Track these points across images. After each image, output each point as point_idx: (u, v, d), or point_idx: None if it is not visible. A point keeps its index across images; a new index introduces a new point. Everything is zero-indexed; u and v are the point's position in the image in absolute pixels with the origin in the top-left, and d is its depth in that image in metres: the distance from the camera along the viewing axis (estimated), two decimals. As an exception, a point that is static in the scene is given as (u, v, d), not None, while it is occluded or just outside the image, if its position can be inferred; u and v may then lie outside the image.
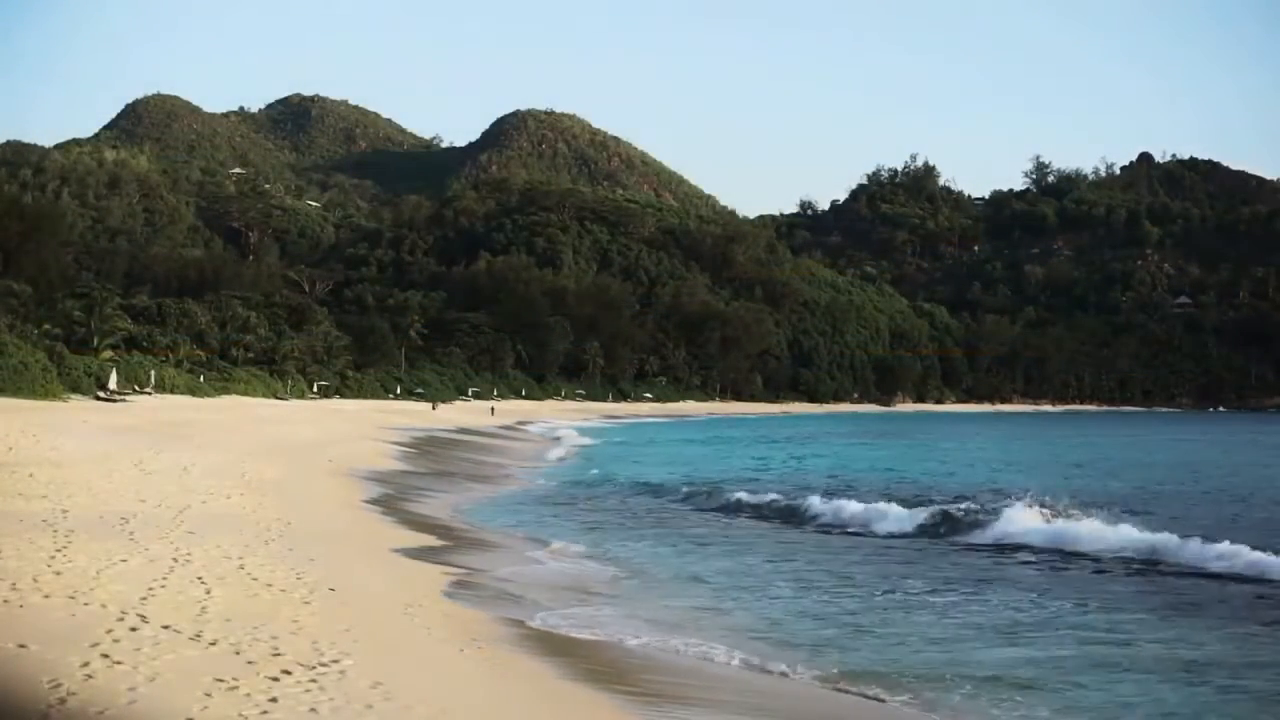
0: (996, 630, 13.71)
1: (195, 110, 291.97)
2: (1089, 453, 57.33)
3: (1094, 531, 21.22)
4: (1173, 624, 14.07)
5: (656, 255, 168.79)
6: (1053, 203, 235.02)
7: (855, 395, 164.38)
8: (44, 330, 66.82)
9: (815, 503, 26.98)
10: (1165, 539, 20.07)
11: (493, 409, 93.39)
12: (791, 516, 26.06)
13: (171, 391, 65.85)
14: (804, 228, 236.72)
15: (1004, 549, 21.00)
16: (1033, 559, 19.90)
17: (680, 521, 25.42)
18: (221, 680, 8.68)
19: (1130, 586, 17.24)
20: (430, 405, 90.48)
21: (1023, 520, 22.53)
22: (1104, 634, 13.46)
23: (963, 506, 25.28)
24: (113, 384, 58.12)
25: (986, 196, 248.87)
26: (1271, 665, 12.09)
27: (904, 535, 22.97)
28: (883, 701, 10.70)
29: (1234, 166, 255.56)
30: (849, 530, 23.77)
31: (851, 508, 25.78)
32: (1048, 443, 70.87)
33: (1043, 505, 23.45)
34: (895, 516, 24.39)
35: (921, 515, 24.32)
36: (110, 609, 10.55)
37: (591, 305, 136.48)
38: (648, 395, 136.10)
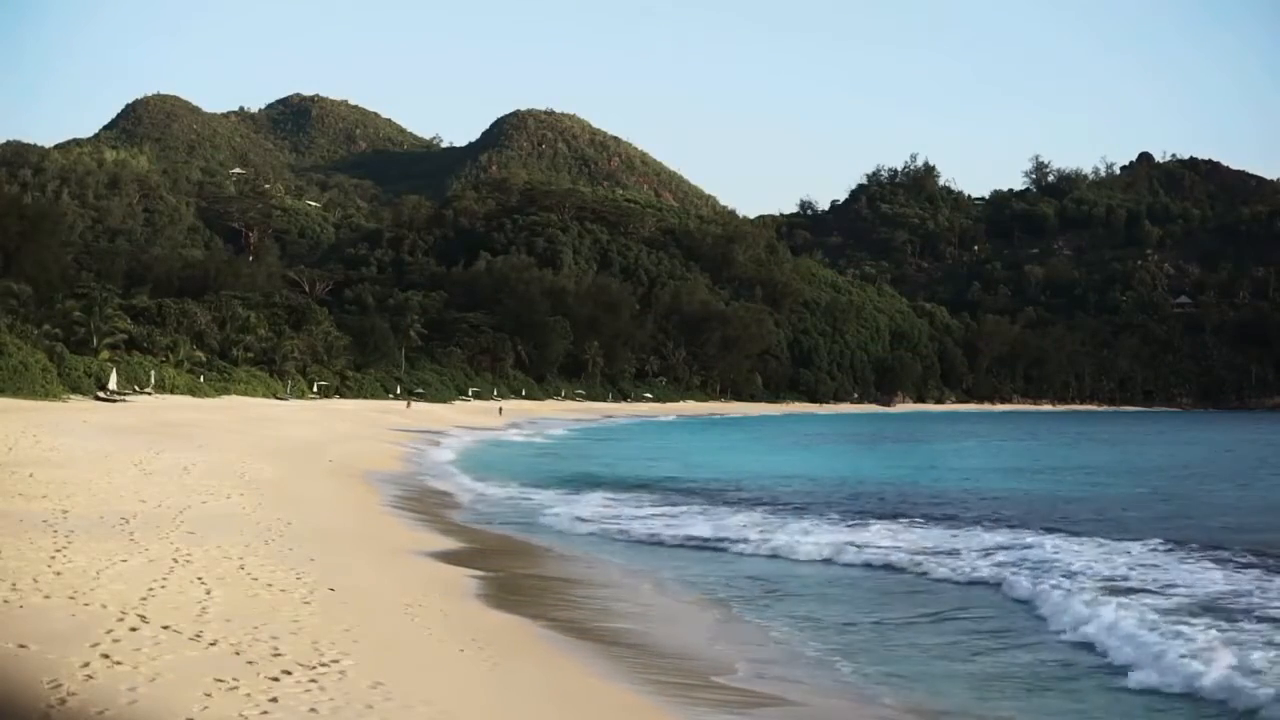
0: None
1: (195, 110, 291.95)
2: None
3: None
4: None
5: (656, 255, 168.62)
6: (1053, 203, 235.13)
7: (855, 395, 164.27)
8: (44, 330, 66.78)
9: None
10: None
11: (500, 409, 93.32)
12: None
13: (171, 391, 65.88)
14: (804, 228, 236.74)
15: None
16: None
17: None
18: (221, 680, 8.69)
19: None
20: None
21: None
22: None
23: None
24: (113, 384, 58.16)
25: (986, 196, 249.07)
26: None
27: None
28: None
29: (1234, 166, 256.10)
30: None
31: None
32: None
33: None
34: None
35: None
36: (110, 609, 10.56)
37: (591, 305, 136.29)
38: (648, 395, 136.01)
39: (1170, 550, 19.47)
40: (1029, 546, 19.91)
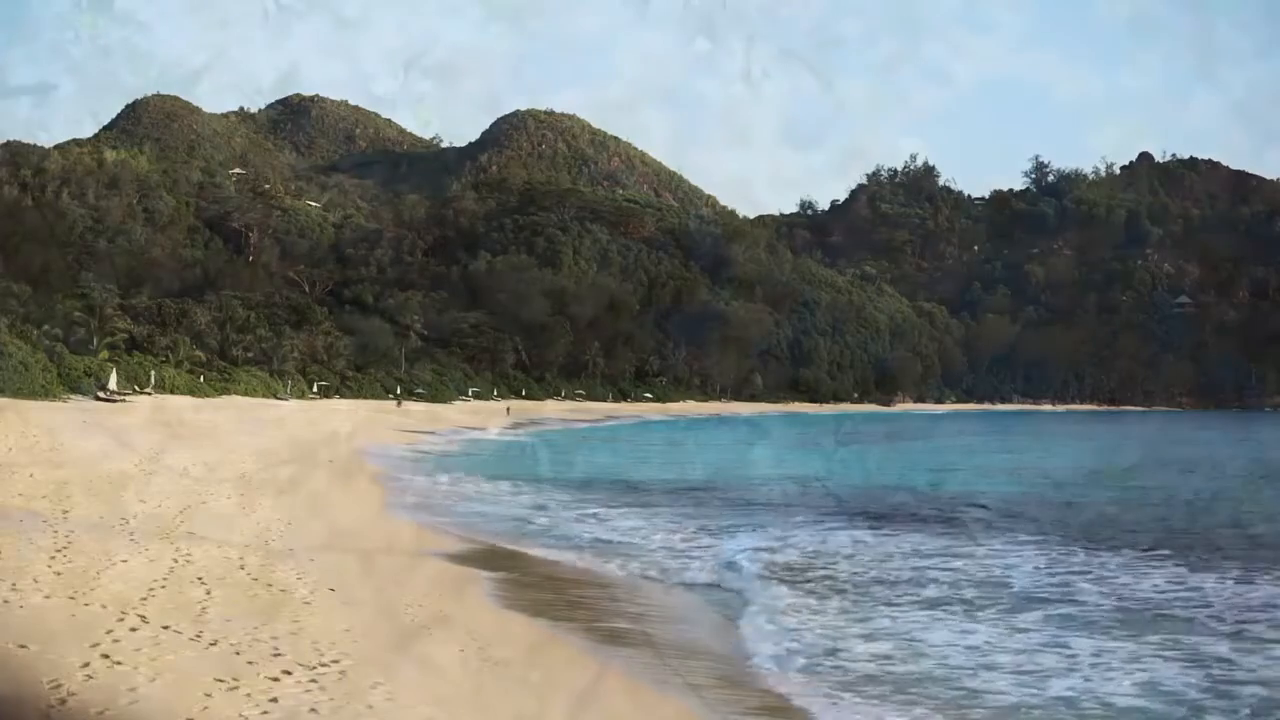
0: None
1: (195, 110, 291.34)
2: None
3: None
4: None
5: (656, 255, 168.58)
6: (1053, 203, 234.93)
7: (855, 395, 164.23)
8: (44, 330, 66.78)
9: None
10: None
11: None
12: None
13: (171, 391, 65.89)
14: (804, 228, 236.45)
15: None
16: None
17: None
18: (221, 680, 8.68)
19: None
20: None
21: None
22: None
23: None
24: (113, 384, 58.16)
25: (986, 196, 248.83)
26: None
27: None
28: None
29: (1234, 166, 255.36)
30: None
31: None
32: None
33: None
34: None
35: None
36: (110, 609, 10.54)
37: (591, 305, 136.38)
38: (648, 395, 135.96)
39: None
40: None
